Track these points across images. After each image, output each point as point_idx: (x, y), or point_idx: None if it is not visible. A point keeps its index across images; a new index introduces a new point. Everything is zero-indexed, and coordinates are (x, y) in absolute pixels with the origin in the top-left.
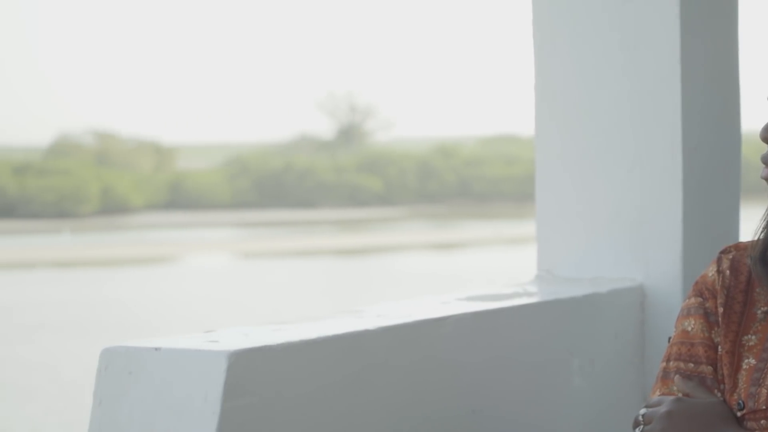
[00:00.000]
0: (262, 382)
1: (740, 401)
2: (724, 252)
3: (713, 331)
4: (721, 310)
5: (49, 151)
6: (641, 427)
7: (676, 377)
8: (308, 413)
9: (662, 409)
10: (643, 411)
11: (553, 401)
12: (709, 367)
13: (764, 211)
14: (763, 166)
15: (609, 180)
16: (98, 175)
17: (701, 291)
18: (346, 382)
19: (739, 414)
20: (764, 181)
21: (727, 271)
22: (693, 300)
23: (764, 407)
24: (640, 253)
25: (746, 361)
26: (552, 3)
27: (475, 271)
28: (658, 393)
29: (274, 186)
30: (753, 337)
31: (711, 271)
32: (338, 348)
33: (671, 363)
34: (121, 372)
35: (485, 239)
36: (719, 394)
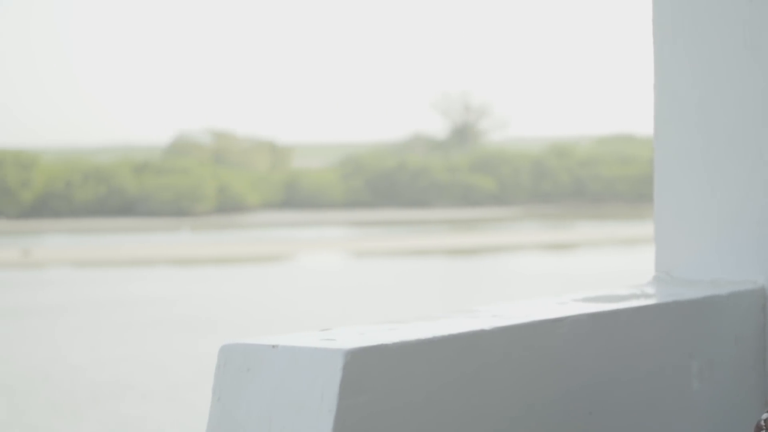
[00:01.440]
0: (378, 381)
1: None
2: None
3: None
4: None
5: (167, 151)
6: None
7: None
8: (423, 413)
9: None
10: (765, 416)
11: (671, 405)
12: None
13: None
14: None
15: (730, 180)
16: (215, 174)
17: None
18: (461, 382)
19: None
20: None
21: None
22: None
23: None
24: (762, 255)
25: None
26: (673, 1)
27: (589, 271)
28: None
29: (387, 185)
30: None
31: None
32: (454, 348)
33: None
34: (240, 369)
35: (599, 240)
36: None
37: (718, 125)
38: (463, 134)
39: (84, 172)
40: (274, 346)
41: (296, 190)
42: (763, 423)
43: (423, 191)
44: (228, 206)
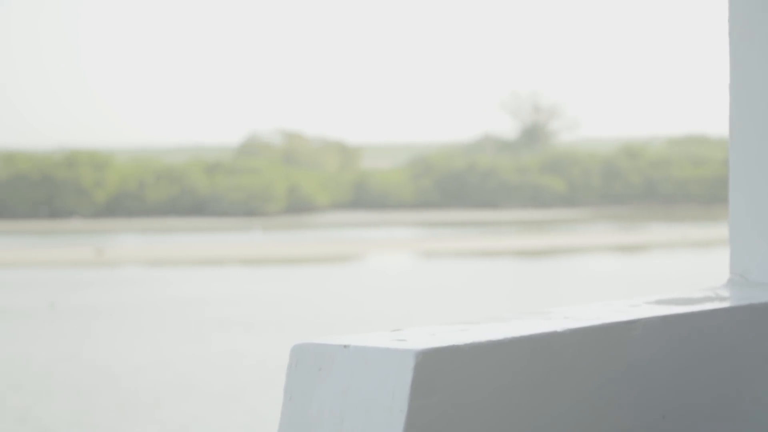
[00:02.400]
0: (449, 381)
1: None
2: None
3: None
4: None
5: (238, 151)
6: None
7: None
8: (494, 414)
9: None
10: None
11: (745, 410)
12: None
13: None
14: None
15: None
16: (285, 174)
17: None
18: (533, 384)
19: None
20: None
21: None
22: None
23: None
24: None
25: None
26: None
27: (661, 274)
28: None
29: (456, 186)
30: None
31: None
32: (526, 349)
33: None
34: (311, 368)
35: (671, 242)
36: None
37: None
38: (532, 135)
39: (156, 173)
40: (345, 346)
41: (365, 191)
42: None
43: (492, 192)
44: (298, 206)
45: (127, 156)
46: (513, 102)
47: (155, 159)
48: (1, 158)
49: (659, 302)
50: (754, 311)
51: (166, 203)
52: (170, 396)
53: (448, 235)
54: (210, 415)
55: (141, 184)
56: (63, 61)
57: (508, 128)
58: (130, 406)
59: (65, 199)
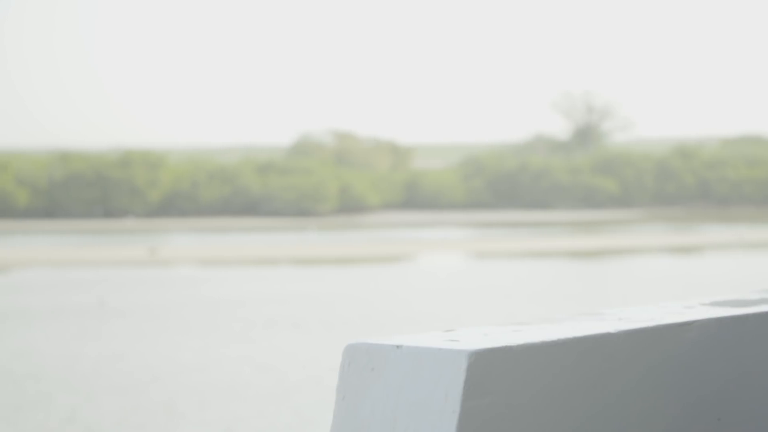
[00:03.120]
0: (502, 382)
1: None
2: None
3: None
4: None
5: (290, 151)
6: None
7: None
8: (547, 415)
9: None
10: None
11: None
12: None
13: None
14: None
15: None
16: (337, 174)
17: None
18: (586, 385)
19: None
20: None
21: None
22: None
23: None
24: None
25: None
26: None
27: (716, 275)
28: None
29: (508, 186)
30: None
31: None
32: (579, 350)
33: None
34: (364, 368)
35: (726, 243)
36: None
37: None
38: (585, 135)
39: (209, 172)
40: (398, 346)
41: (417, 191)
42: None
43: (544, 193)
44: (349, 206)
45: (181, 156)
46: (565, 102)
47: (208, 159)
48: (57, 158)
49: (714, 304)
50: None
51: (219, 203)
52: (217, 397)
53: (499, 236)
54: (257, 416)
55: (194, 183)
56: (116, 62)
57: (560, 128)
58: (176, 407)
59: (119, 199)
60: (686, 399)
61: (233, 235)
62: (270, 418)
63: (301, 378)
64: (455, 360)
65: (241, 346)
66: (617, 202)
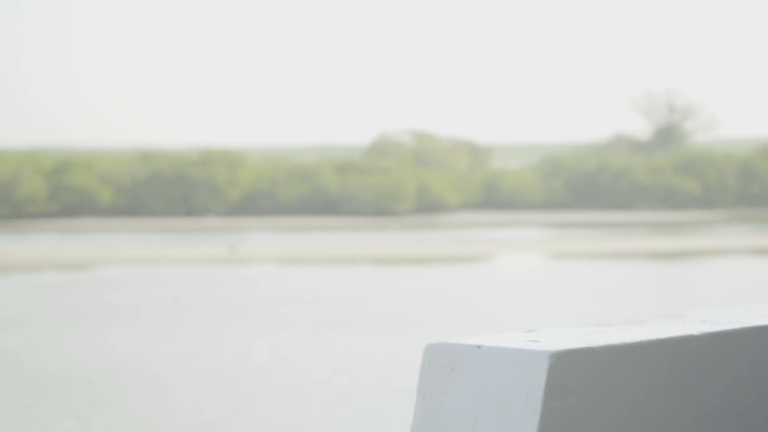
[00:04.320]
0: (583, 383)
1: None
2: None
3: None
4: None
5: (369, 150)
6: None
7: None
8: (628, 418)
9: None
10: None
11: None
12: None
13: None
14: None
15: None
16: (416, 174)
17: None
18: (669, 388)
19: None
20: None
21: None
22: None
23: None
24: None
25: None
26: None
27: None
28: None
29: (587, 187)
30: None
31: None
32: (662, 353)
33: None
34: (444, 368)
35: None
36: None
37: None
38: (667, 135)
39: (288, 172)
40: (479, 347)
41: (495, 191)
42: None
43: (624, 193)
44: (428, 206)
45: (260, 155)
46: (646, 101)
47: (287, 158)
48: (140, 157)
49: None
50: None
51: (298, 202)
52: (287, 398)
53: (578, 236)
54: (327, 419)
55: (273, 183)
56: (191, 62)
57: (641, 128)
58: (247, 407)
59: (200, 198)
60: None
61: (312, 234)
62: (340, 421)
63: (375, 380)
64: (536, 361)
65: (314, 347)
66: (699, 202)
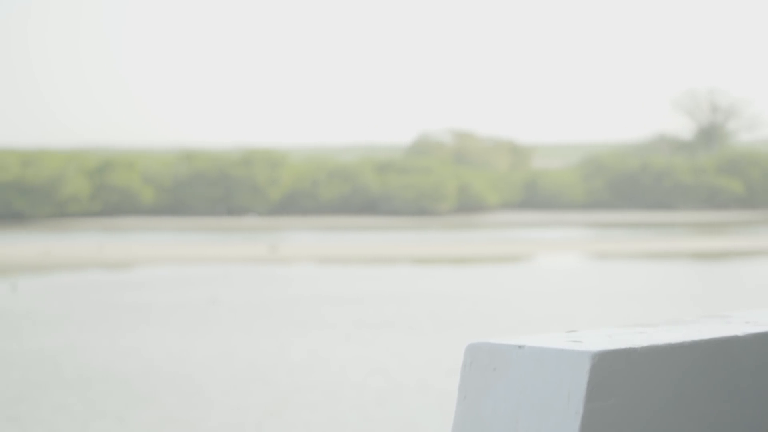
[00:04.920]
0: (626, 384)
1: None
2: None
3: None
4: None
5: (409, 150)
6: None
7: None
8: (671, 418)
9: None
10: None
11: None
12: None
13: None
14: None
15: None
16: (456, 173)
17: None
18: (711, 389)
19: None
20: None
21: None
22: None
23: None
24: None
25: None
26: None
27: None
28: None
29: (629, 186)
30: None
31: None
32: (705, 353)
33: None
34: (486, 368)
35: None
36: None
37: None
38: (709, 135)
39: (329, 171)
40: (520, 347)
41: (536, 191)
42: None
43: (666, 193)
44: (468, 206)
45: (301, 155)
46: (689, 101)
47: (328, 158)
48: (182, 157)
49: None
50: None
51: (338, 201)
52: (324, 398)
53: (620, 236)
54: (363, 420)
55: (314, 182)
56: (233, 62)
57: (683, 128)
58: (282, 407)
59: (241, 197)
60: None
61: (352, 234)
62: (376, 423)
63: (413, 381)
64: (578, 361)
65: (352, 347)
66: (742, 203)
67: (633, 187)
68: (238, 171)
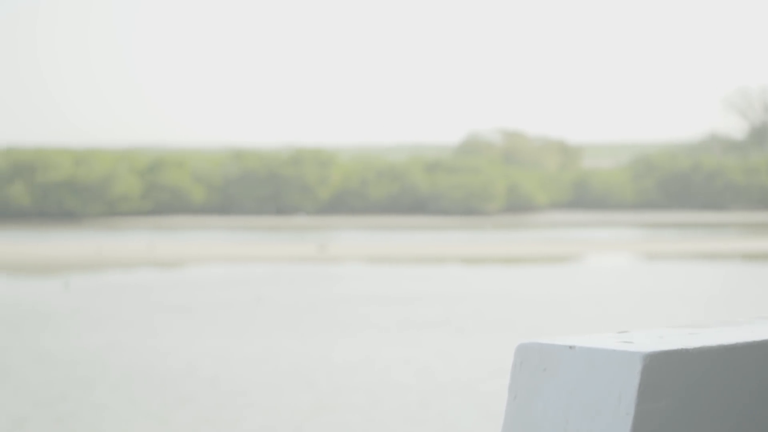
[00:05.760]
0: (677, 385)
1: None
2: None
3: None
4: None
5: (458, 150)
6: None
7: None
8: (723, 420)
9: None
10: None
11: None
12: None
13: None
14: None
15: None
16: (505, 173)
17: None
18: (765, 391)
19: None
20: None
21: None
22: None
23: None
24: None
25: None
26: None
27: None
28: None
29: (680, 187)
30: None
31: None
32: (759, 355)
33: None
34: (536, 368)
35: None
36: None
37: None
38: (762, 134)
39: (378, 170)
40: (571, 347)
41: (586, 190)
42: None
43: (718, 193)
44: (517, 205)
45: (350, 154)
46: (741, 100)
47: (377, 157)
48: (232, 156)
49: None
50: None
51: (387, 201)
52: (366, 400)
53: (670, 237)
54: (405, 422)
55: (363, 181)
56: (285, 60)
57: (735, 127)
58: (322, 409)
59: (291, 196)
60: None
61: (400, 233)
62: (419, 426)
63: (459, 382)
64: (630, 362)
65: (398, 347)
66: None
67: (684, 187)
68: (288, 170)
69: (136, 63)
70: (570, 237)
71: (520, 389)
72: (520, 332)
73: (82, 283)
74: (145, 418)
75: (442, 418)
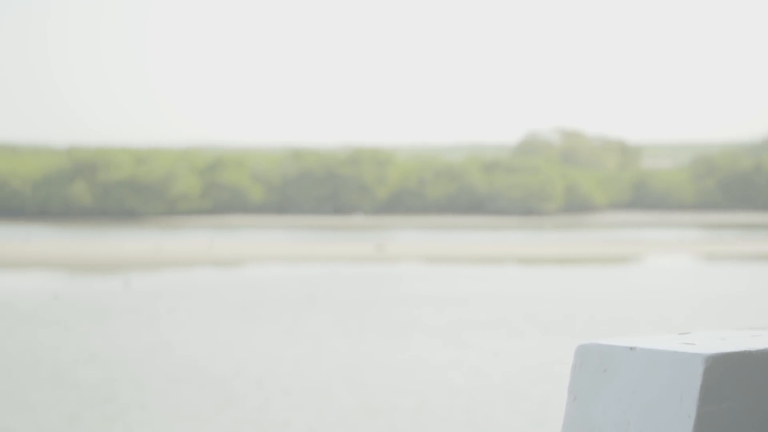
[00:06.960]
0: (740, 388)
1: None
2: None
3: None
4: None
5: (516, 150)
6: None
7: None
8: None
9: None
10: None
11: None
12: None
13: None
14: None
15: None
16: (563, 173)
17: None
18: None
19: None
20: None
21: None
22: None
23: None
24: None
25: None
26: None
27: None
28: None
29: (741, 187)
30: None
31: None
32: None
33: None
34: (596, 369)
35: None
36: None
37: None
38: None
39: (436, 170)
40: (632, 348)
41: (645, 191)
42: None
43: None
44: (575, 206)
45: (408, 154)
46: None
47: (435, 157)
48: (290, 156)
49: None
50: None
51: (445, 200)
52: (415, 402)
53: (731, 238)
54: (453, 424)
55: (421, 181)
56: (344, 61)
57: None
58: (367, 408)
59: (348, 196)
60: None
61: (458, 233)
62: (466, 428)
63: (511, 385)
64: (691, 364)
65: (451, 348)
66: None
67: (745, 187)
68: (346, 170)
69: (196, 63)
70: (629, 238)
71: (580, 390)
72: (577, 334)
73: (142, 282)
74: (187, 420)
75: (490, 421)
